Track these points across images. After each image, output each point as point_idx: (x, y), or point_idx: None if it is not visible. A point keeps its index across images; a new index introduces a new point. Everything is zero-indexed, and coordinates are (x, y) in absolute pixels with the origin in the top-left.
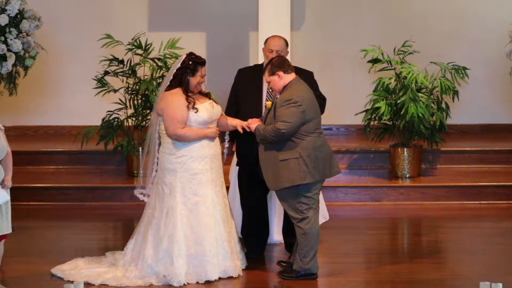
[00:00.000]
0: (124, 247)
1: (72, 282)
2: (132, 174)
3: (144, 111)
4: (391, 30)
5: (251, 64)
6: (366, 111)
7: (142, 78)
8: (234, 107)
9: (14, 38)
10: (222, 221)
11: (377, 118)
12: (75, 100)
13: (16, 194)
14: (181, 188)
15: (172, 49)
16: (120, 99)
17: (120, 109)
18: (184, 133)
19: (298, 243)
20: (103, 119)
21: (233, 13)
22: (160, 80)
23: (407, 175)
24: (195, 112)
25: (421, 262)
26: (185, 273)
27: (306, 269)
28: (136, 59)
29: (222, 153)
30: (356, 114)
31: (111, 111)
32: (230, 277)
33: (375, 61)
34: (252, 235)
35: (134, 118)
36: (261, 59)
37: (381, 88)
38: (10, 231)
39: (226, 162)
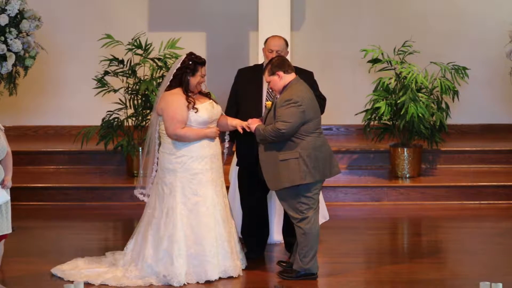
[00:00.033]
0: (124, 247)
1: (72, 282)
2: (132, 174)
3: (144, 111)
4: (391, 30)
5: (251, 64)
6: (366, 111)
7: (142, 78)
8: (234, 107)
9: (14, 38)
10: (222, 221)
11: (377, 118)
12: (75, 100)
13: (16, 194)
14: (181, 188)
15: (172, 49)
16: (120, 99)
17: (120, 109)
18: (184, 133)
19: (298, 243)
20: (103, 119)
21: (233, 13)
22: (160, 80)
23: (407, 175)
24: (195, 112)
25: (421, 262)
26: (185, 273)
27: (306, 269)
28: (136, 59)
29: (222, 153)
30: (356, 114)
31: (111, 111)
32: (230, 277)
33: (375, 61)
34: (252, 235)
35: (134, 118)
36: (261, 59)
37: (381, 88)
38: (10, 231)
39: (226, 162)
